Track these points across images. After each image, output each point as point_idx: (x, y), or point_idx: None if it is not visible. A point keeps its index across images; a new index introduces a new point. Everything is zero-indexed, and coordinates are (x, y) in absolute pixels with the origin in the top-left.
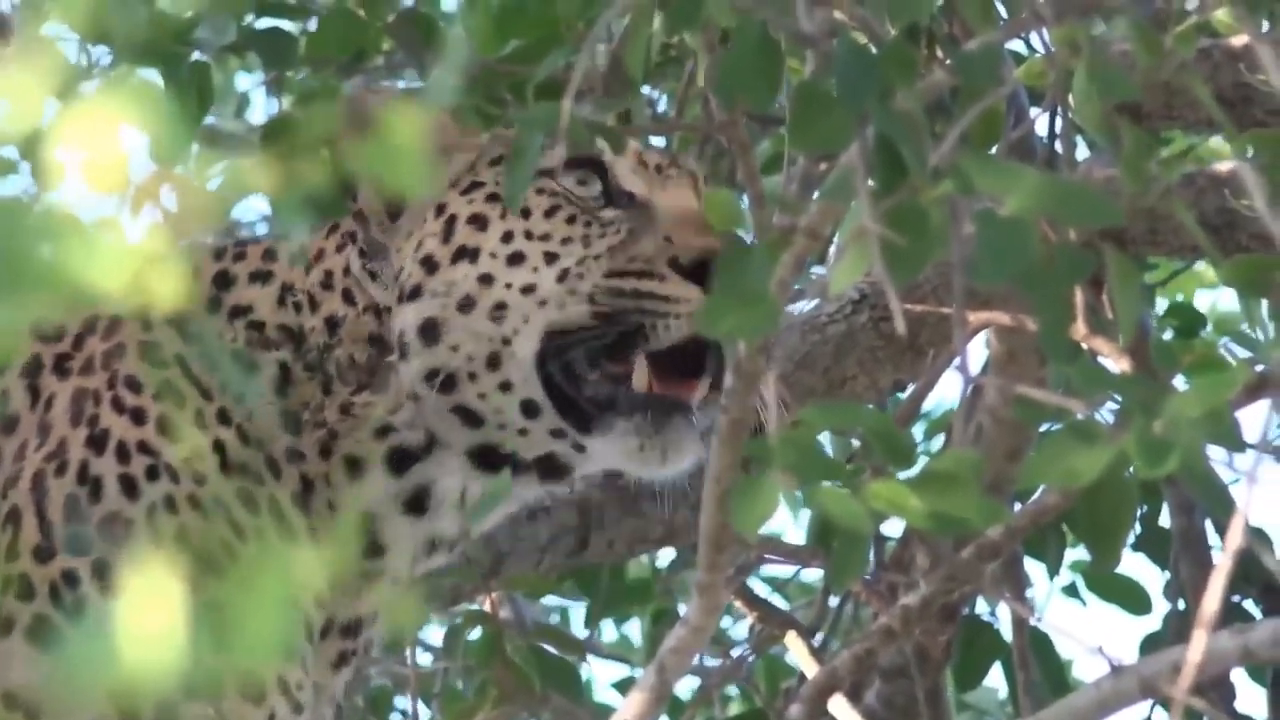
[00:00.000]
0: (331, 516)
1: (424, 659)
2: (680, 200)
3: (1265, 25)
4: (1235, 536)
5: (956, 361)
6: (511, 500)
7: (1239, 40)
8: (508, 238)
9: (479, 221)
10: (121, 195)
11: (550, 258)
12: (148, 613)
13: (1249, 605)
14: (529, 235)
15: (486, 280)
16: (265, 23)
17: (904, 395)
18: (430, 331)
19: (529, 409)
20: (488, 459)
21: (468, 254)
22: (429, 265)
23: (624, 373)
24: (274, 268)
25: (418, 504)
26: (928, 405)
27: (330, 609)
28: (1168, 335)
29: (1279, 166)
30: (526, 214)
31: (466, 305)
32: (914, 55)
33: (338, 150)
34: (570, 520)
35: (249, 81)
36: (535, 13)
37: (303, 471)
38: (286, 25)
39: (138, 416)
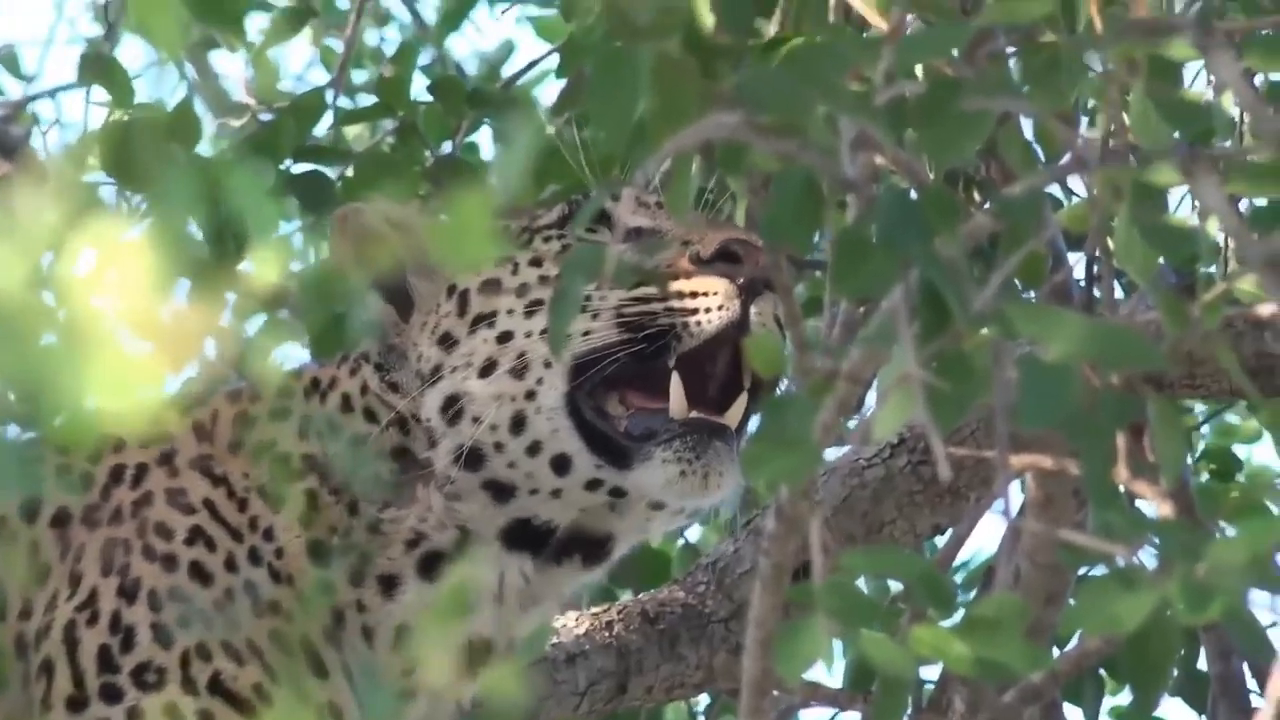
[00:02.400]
0: (366, 645)
1: None
2: (687, 218)
3: None
4: (1277, 683)
5: (998, 506)
6: (553, 597)
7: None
8: (523, 290)
9: (493, 286)
10: (156, 342)
11: None
12: None
13: None
14: (544, 280)
15: (506, 338)
16: (303, 167)
17: (941, 539)
18: (451, 408)
19: (560, 465)
20: (521, 537)
21: (485, 320)
22: (447, 343)
23: (658, 406)
24: (290, 403)
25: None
26: (964, 554)
27: None
28: (1205, 478)
29: None
30: (538, 263)
31: (488, 369)
32: (956, 199)
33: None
34: (609, 665)
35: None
36: (572, 158)
37: (333, 605)
38: (324, 170)
39: (169, 563)
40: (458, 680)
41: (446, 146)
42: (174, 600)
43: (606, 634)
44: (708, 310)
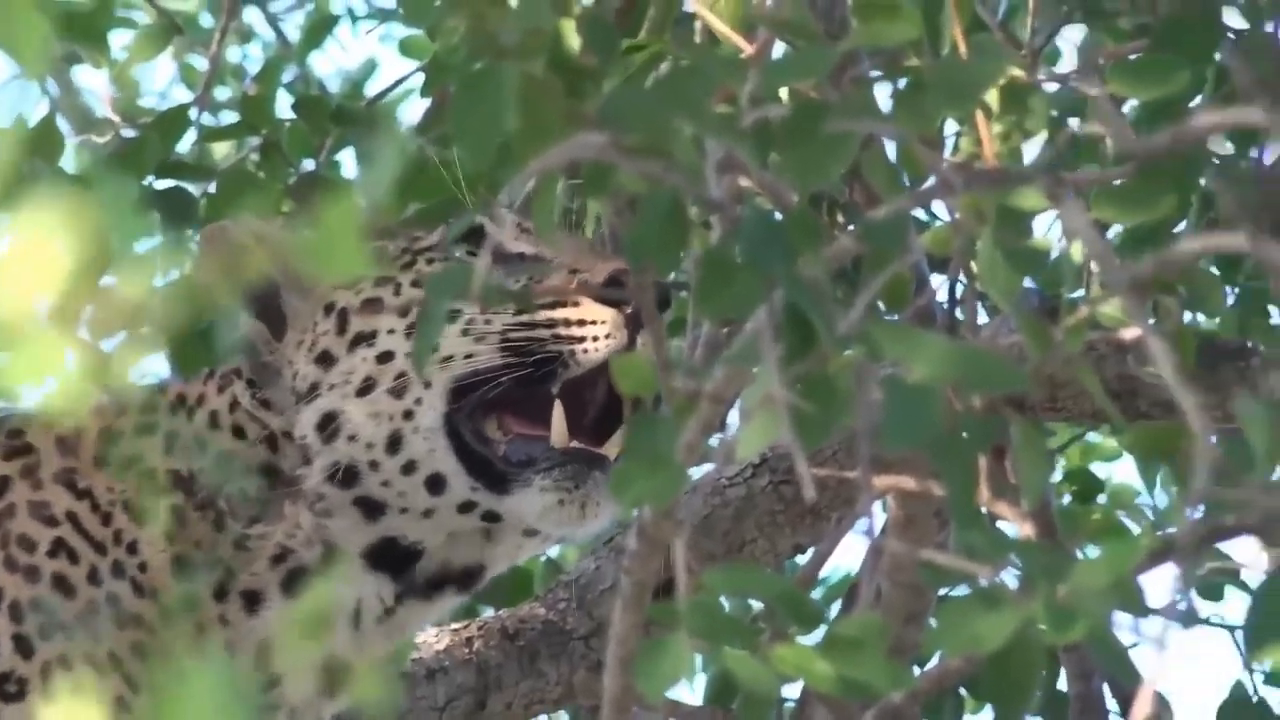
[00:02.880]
0: (228, 659)
1: None
2: (572, 245)
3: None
4: (1143, 705)
5: (861, 526)
6: (419, 625)
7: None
8: (405, 311)
9: (373, 305)
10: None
11: (453, 314)
12: None
13: None
14: None
15: (386, 357)
16: (166, 183)
17: (802, 559)
18: (328, 426)
19: (435, 484)
20: (385, 557)
21: (365, 339)
22: (326, 361)
23: (538, 433)
24: (157, 418)
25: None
26: (824, 570)
27: None
28: (1066, 500)
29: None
30: (421, 284)
31: (366, 388)
32: (820, 222)
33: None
34: (469, 681)
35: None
36: (437, 175)
37: (196, 619)
38: (187, 186)
39: (31, 575)
40: (318, 697)
41: (310, 164)
42: (36, 612)
43: (467, 650)
44: (595, 339)
